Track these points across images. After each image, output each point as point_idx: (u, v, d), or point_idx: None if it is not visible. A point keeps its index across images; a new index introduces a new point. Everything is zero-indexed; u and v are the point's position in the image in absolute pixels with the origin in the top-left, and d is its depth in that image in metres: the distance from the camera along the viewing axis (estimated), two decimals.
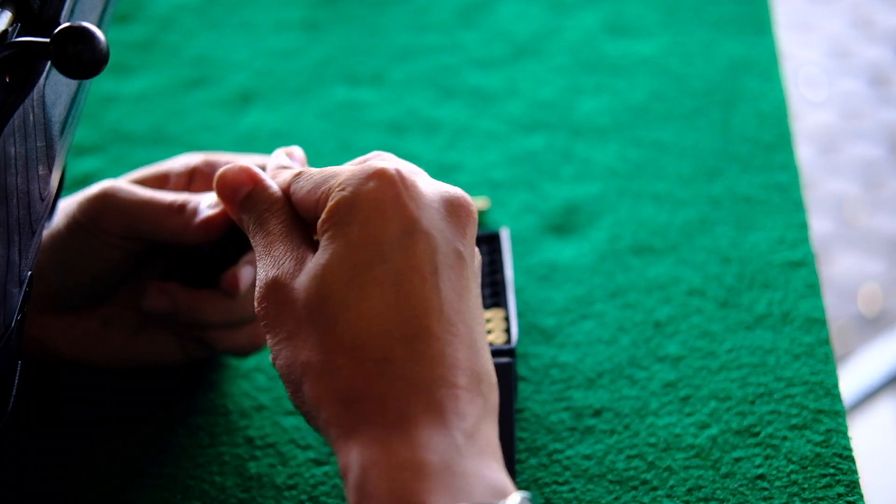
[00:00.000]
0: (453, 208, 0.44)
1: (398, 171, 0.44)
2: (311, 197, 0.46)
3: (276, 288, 0.44)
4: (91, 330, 0.57)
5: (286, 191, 0.48)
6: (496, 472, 0.41)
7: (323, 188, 0.45)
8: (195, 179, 0.58)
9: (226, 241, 0.54)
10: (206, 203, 0.54)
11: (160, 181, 0.57)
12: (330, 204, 0.44)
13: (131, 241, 0.54)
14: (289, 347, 0.43)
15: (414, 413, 0.41)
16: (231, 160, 0.58)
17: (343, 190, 0.44)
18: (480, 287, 0.45)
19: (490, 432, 0.42)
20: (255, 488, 0.55)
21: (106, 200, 0.54)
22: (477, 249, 0.45)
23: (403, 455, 0.40)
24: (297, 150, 0.53)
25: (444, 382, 0.41)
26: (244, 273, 0.55)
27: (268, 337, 0.44)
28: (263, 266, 0.45)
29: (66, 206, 0.55)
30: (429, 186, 0.45)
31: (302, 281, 0.44)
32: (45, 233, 0.54)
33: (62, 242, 0.54)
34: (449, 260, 0.43)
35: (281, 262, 0.45)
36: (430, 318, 0.42)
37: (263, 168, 0.57)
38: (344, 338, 0.42)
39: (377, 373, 0.42)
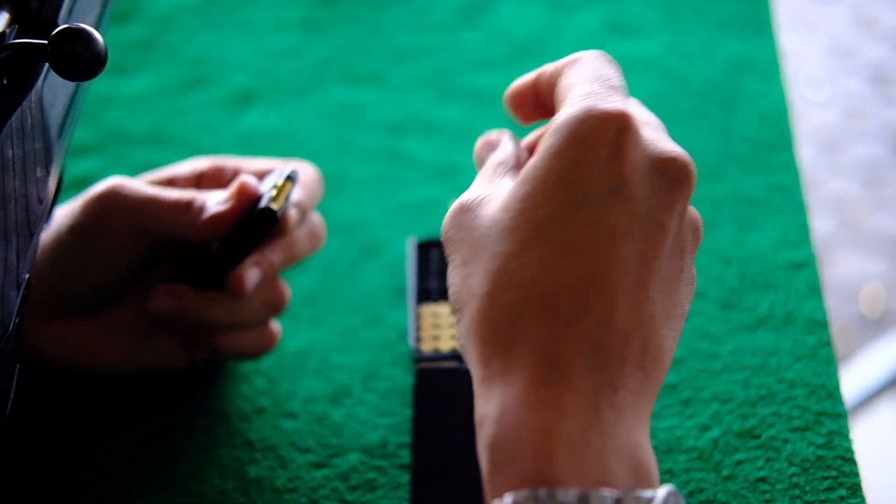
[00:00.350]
0: (665, 177, 0.42)
1: (632, 120, 0.41)
2: (552, 85, 0.44)
3: (463, 211, 0.43)
4: (94, 337, 0.57)
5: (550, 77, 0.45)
6: (643, 452, 0.39)
7: (562, 86, 0.43)
8: (202, 184, 0.58)
9: (232, 241, 0.54)
10: (214, 200, 0.54)
11: (167, 185, 0.57)
12: (557, 118, 0.42)
13: (136, 241, 0.54)
14: (461, 273, 0.42)
15: (565, 373, 0.39)
16: (239, 165, 0.58)
17: (574, 107, 0.41)
18: (690, 260, 0.43)
19: (645, 408, 0.40)
20: (254, 491, 0.55)
21: (111, 197, 0.54)
22: (696, 218, 0.43)
23: (542, 416, 0.38)
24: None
25: (605, 348, 0.39)
26: (250, 274, 0.55)
27: (449, 262, 0.43)
28: (465, 193, 0.44)
29: (69, 209, 0.55)
30: (649, 144, 0.42)
31: (491, 209, 0.42)
32: (48, 238, 0.54)
33: (65, 247, 0.54)
34: (645, 229, 0.41)
35: (477, 189, 0.44)
36: (609, 278, 0.40)
37: (265, 173, 0.57)
38: (514, 275, 0.40)
39: (539, 319, 0.39)
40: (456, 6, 0.86)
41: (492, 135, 0.49)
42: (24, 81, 0.43)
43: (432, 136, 0.76)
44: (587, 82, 0.43)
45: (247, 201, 0.53)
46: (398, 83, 0.80)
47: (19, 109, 0.42)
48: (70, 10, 0.46)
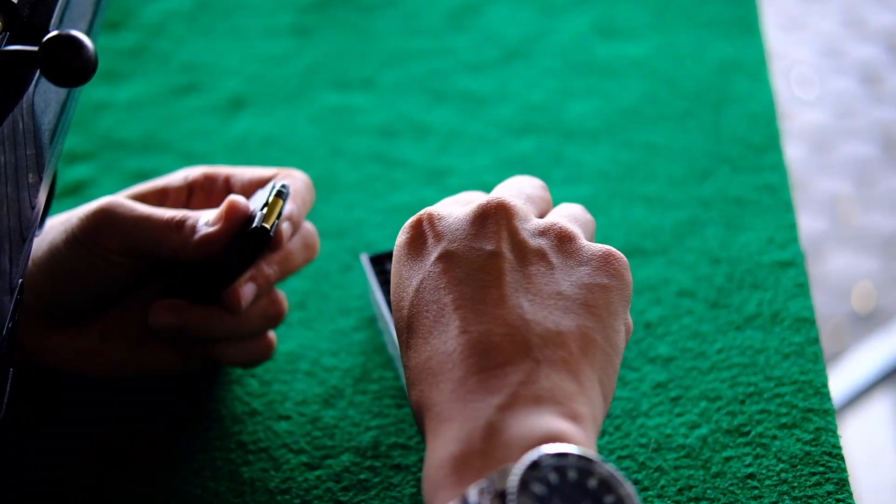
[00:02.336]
0: (480, 219, 0.48)
1: (427, 213, 0.49)
2: None
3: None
4: (89, 344, 0.57)
5: None
6: (546, 422, 0.41)
7: None
8: (194, 193, 0.58)
9: (226, 259, 0.54)
10: (205, 220, 0.54)
11: (159, 196, 0.57)
12: None
13: (130, 258, 0.54)
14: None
15: (438, 410, 0.44)
16: (231, 173, 0.58)
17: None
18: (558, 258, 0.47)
19: (547, 384, 0.43)
20: (248, 493, 0.55)
21: (105, 216, 0.54)
22: (549, 225, 0.48)
23: (437, 456, 0.42)
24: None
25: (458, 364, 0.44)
26: (246, 290, 0.55)
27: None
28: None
29: (66, 220, 0.55)
30: (460, 212, 0.49)
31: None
32: (43, 249, 0.54)
33: (61, 258, 0.54)
34: (477, 261, 0.46)
35: None
36: (449, 309, 0.45)
37: (256, 182, 0.57)
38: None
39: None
40: (446, 10, 0.86)
41: None
42: (16, 88, 0.43)
43: (423, 140, 0.76)
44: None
45: (236, 221, 0.53)
46: (389, 87, 0.80)
47: (11, 116, 0.42)
48: (61, 18, 0.47)
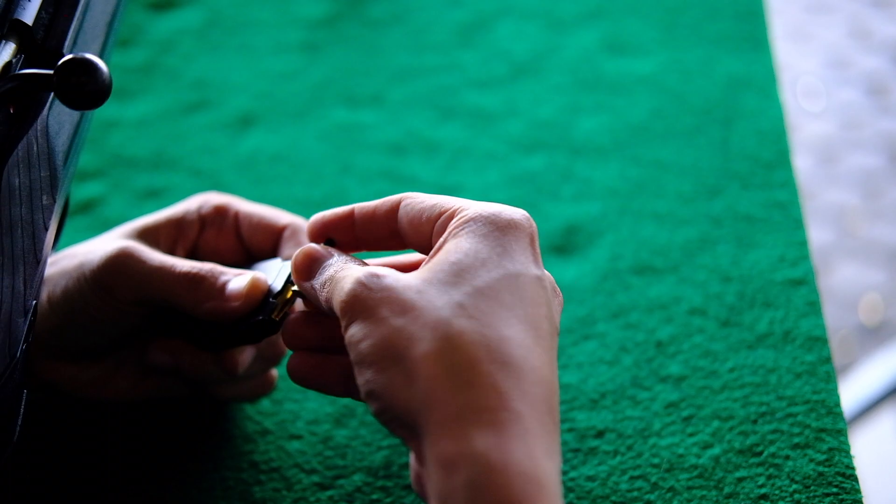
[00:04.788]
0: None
1: (530, 222, 0.48)
2: (425, 213, 0.49)
3: (373, 276, 0.46)
4: (101, 375, 0.57)
5: (395, 207, 0.50)
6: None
7: (447, 206, 0.49)
8: (206, 228, 0.58)
9: (232, 329, 0.54)
10: (223, 281, 0.53)
11: (174, 230, 0.57)
12: (468, 215, 0.47)
13: (142, 307, 0.55)
14: (384, 327, 0.45)
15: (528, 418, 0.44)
16: (240, 210, 0.58)
17: (476, 212, 0.47)
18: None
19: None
20: None
21: (119, 267, 0.53)
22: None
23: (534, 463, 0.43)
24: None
25: (536, 398, 0.44)
26: (244, 356, 0.56)
27: (356, 324, 0.45)
28: (352, 273, 0.47)
29: (80, 266, 0.54)
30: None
31: (414, 276, 0.46)
32: (59, 293, 0.54)
33: (76, 304, 0.54)
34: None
35: (366, 266, 0.48)
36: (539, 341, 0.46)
37: (277, 230, 0.57)
38: (465, 329, 0.44)
39: (493, 370, 0.44)
40: (454, 26, 0.86)
41: (315, 251, 0.51)
42: (30, 111, 0.43)
43: (432, 156, 0.76)
44: (473, 202, 0.49)
45: (256, 302, 0.53)
46: (398, 103, 0.80)
47: (25, 138, 0.42)
48: (75, 39, 0.47)
